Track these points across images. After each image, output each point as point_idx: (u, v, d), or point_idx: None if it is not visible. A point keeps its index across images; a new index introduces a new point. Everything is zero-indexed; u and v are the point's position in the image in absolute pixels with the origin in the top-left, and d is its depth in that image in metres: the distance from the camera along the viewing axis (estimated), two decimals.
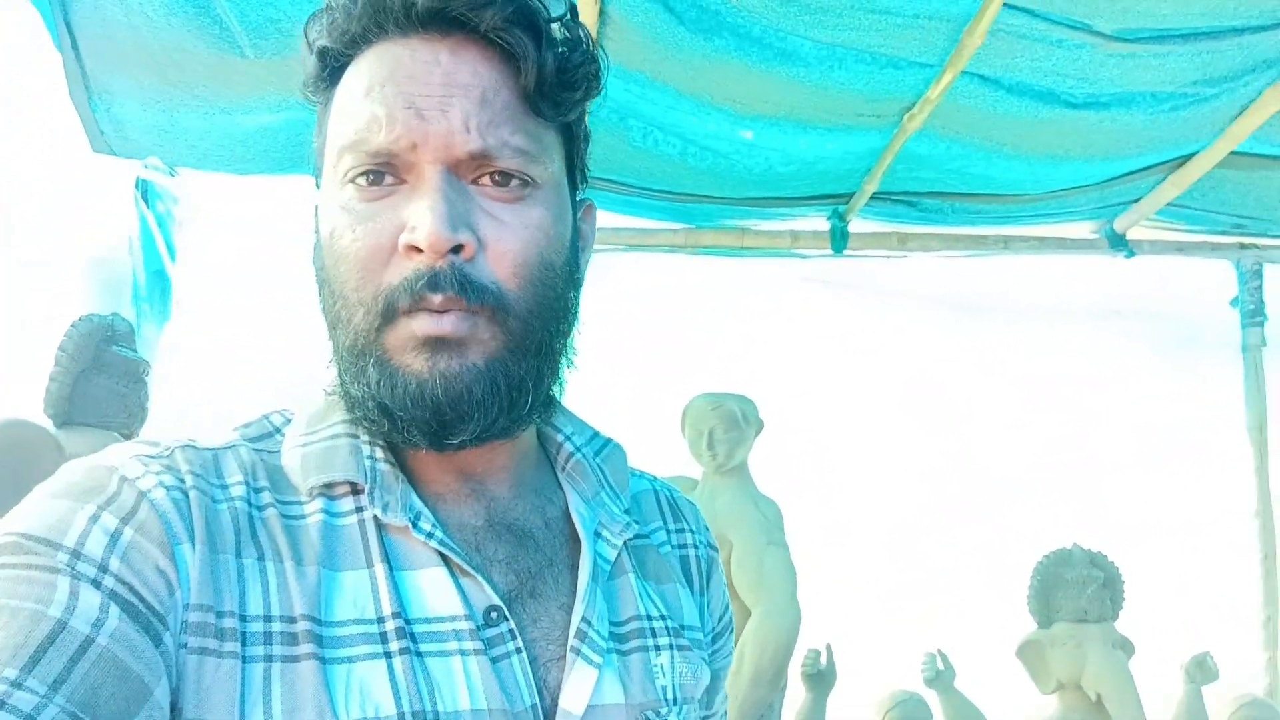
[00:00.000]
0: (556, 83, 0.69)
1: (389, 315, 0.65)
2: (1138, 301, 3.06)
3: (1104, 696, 2.29)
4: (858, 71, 2.29)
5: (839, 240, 2.90)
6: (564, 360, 0.73)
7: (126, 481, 0.62)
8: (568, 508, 0.75)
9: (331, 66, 0.71)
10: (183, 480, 0.64)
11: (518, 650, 0.65)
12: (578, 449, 0.79)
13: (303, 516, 0.66)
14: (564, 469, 0.78)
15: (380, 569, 0.65)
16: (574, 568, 0.72)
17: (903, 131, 2.46)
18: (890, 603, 2.76)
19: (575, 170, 0.76)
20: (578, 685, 0.66)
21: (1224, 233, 3.03)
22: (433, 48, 0.68)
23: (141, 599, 0.58)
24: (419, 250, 0.64)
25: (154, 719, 0.56)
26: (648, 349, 3.15)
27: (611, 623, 0.72)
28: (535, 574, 0.71)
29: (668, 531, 0.84)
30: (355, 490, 0.68)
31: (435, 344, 0.65)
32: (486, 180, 0.67)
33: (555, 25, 0.70)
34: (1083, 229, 3.03)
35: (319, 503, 0.67)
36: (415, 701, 0.61)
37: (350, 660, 0.62)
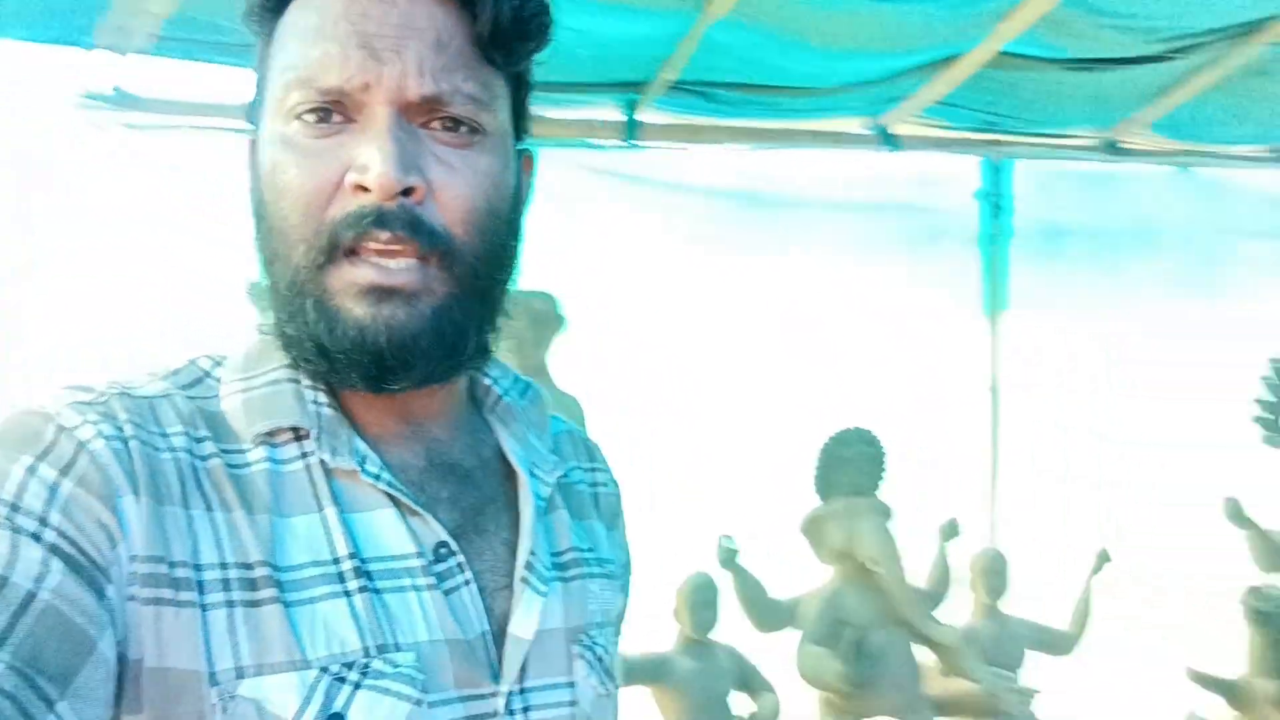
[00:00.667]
0: (511, 31, 0.69)
1: (331, 253, 0.65)
2: (899, 194, 3.24)
3: (875, 562, 2.52)
4: None
5: (630, 131, 2.83)
6: (502, 308, 0.74)
7: (64, 431, 0.61)
8: (499, 447, 0.78)
9: None
10: (121, 429, 0.63)
11: (467, 582, 0.68)
12: (505, 391, 0.81)
13: (247, 465, 0.66)
14: (492, 410, 0.80)
15: (331, 511, 0.66)
16: (511, 504, 0.75)
17: (707, 16, 2.41)
18: (685, 487, 2.85)
19: (520, 121, 0.76)
20: (526, 613, 0.70)
21: (977, 129, 3.26)
22: None
23: (83, 552, 0.58)
24: (366, 190, 0.64)
25: (100, 672, 0.57)
26: None
27: (551, 554, 0.76)
28: (477, 510, 0.73)
29: (583, 470, 0.87)
30: (298, 435, 0.68)
31: (381, 292, 0.65)
32: (436, 125, 0.67)
33: None
34: (855, 124, 3.15)
35: (263, 450, 0.67)
36: (377, 635, 0.63)
37: (312, 601, 0.63)
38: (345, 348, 0.65)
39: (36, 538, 0.57)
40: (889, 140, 3.14)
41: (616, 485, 0.91)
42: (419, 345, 0.66)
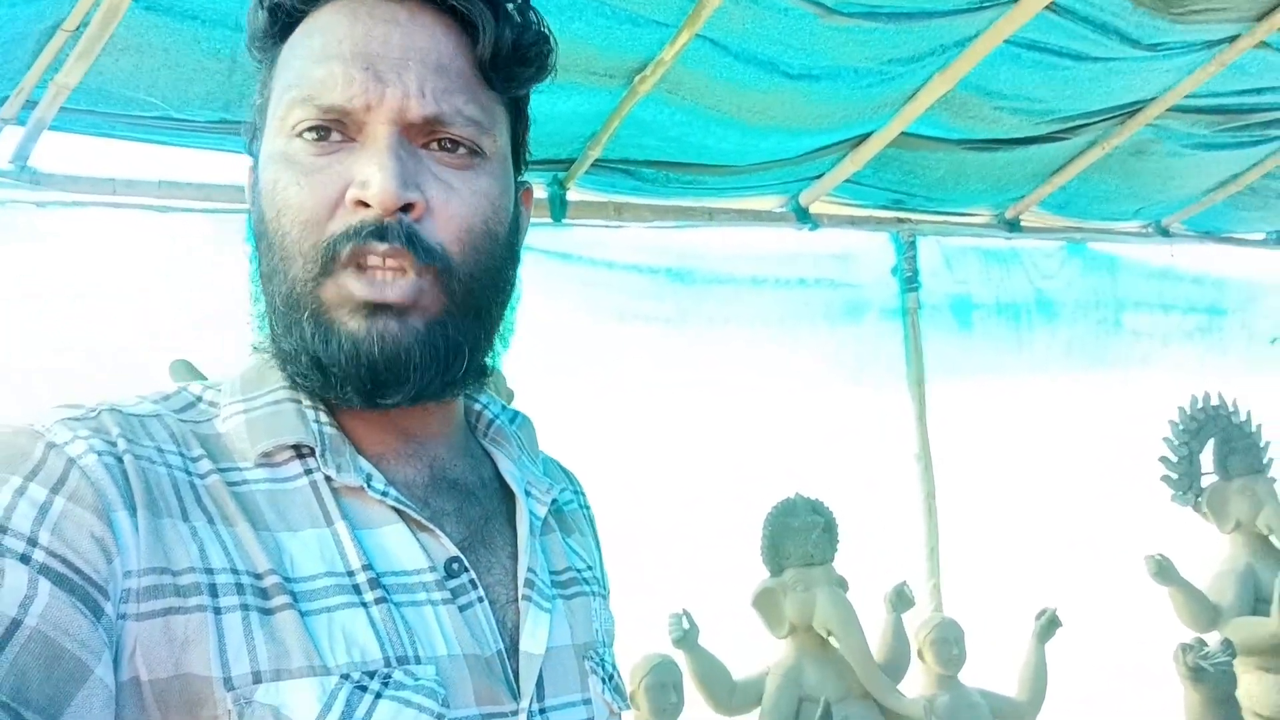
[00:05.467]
0: (512, 56, 0.70)
1: (328, 266, 0.65)
2: (822, 270, 3.32)
3: (833, 633, 2.45)
4: (596, 25, 2.22)
5: (558, 209, 2.82)
6: (500, 332, 0.74)
7: (54, 448, 0.59)
8: (496, 469, 0.79)
9: (283, 22, 0.71)
10: (114, 444, 0.61)
11: (480, 599, 0.68)
12: (496, 416, 0.83)
13: (247, 482, 0.65)
14: (486, 435, 0.81)
15: (342, 526, 0.65)
16: (510, 522, 0.76)
17: (632, 94, 2.44)
18: (626, 569, 2.74)
19: (519, 151, 0.78)
20: (534, 629, 0.70)
21: (886, 207, 3.39)
22: (391, 8, 0.68)
23: (76, 570, 0.55)
24: (366, 205, 0.64)
25: (96, 698, 0.54)
26: None
27: (550, 572, 0.76)
28: (482, 525, 0.73)
29: (571, 492, 0.90)
30: (300, 453, 0.68)
31: (375, 307, 0.65)
32: (436, 146, 0.68)
33: (510, 4, 0.71)
34: (773, 202, 3.23)
35: (262, 470, 0.66)
36: (398, 647, 0.62)
37: (329, 610, 0.61)
38: (340, 361, 0.65)
39: (25, 559, 0.54)
40: (805, 218, 3.23)
41: (591, 510, 0.93)
42: (412, 359, 0.65)
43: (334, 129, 0.66)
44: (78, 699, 0.53)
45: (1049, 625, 2.79)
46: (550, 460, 0.90)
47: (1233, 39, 2.79)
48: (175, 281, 2.49)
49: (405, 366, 0.65)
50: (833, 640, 2.48)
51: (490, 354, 0.74)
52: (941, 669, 2.65)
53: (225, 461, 0.66)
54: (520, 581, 0.71)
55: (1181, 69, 2.92)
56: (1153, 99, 3.07)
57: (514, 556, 0.73)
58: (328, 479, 0.67)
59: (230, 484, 0.65)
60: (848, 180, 3.15)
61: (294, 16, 0.70)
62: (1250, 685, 3.02)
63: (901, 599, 2.69)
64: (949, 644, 2.65)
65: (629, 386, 2.98)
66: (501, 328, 0.74)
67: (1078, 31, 2.62)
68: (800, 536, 2.53)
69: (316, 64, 0.67)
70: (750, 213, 3.18)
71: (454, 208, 0.67)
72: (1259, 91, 3.07)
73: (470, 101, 0.69)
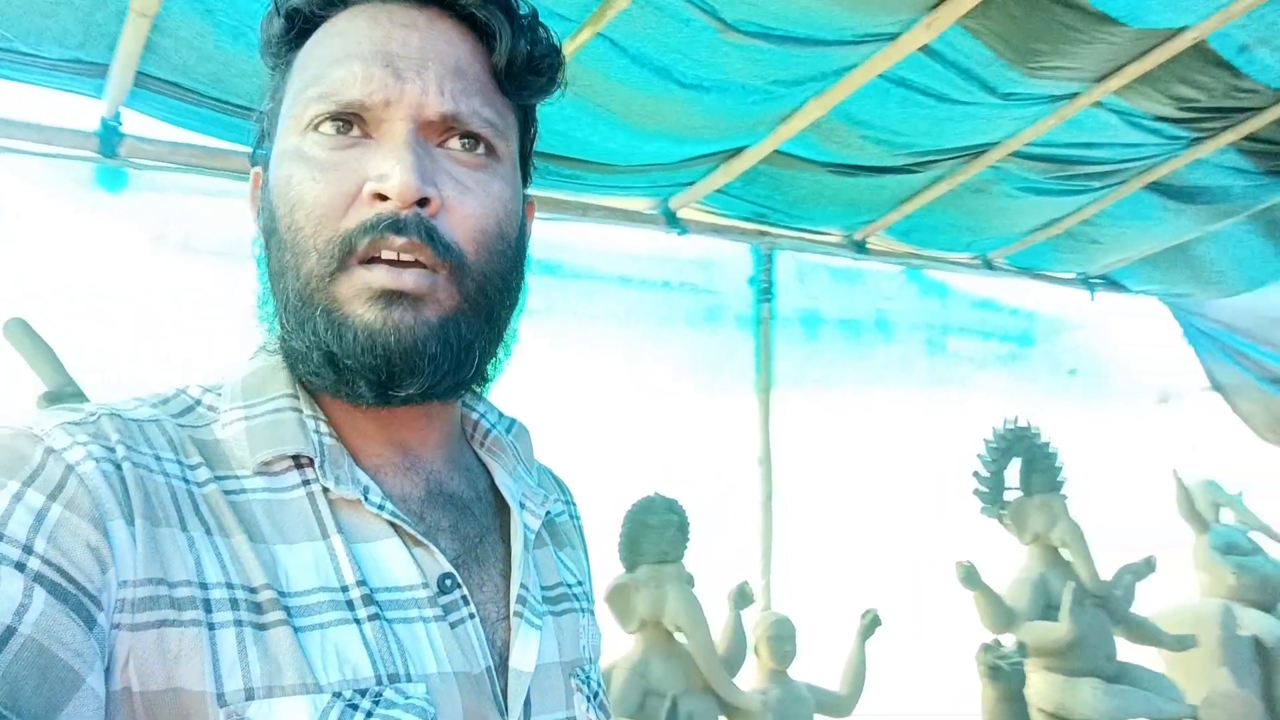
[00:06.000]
0: (526, 66, 0.72)
1: (344, 260, 0.64)
2: (683, 275, 3.40)
3: (682, 629, 2.53)
4: None
5: None
6: (505, 339, 0.75)
7: (52, 454, 0.59)
8: (491, 481, 0.79)
9: (300, 28, 0.71)
10: (113, 451, 0.61)
11: (471, 615, 0.68)
12: (493, 425, 0.82)
13: (245, 491, 0.65)
14: (483, 445, 0.81)
15: (337, 540, 0.65)
16: (504, 535, 0.76)
17: None
18: None
19: (525, 162, 0.80)
20: (525, 646, 0.70)
21: (749, 220, 3.51)
22: (411, 14, 0.69)
23: (71, 579, 0.55)
24: (384, 199, 0.64)
25: (87, 707, 0.54)
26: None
27: (541, 587, 0.77)
28: (476, 541, 0.73)
29: (563, 503, 0.90)
30: (298, 464, 0.67)
31: (391, 296, 0.65)
32: (454, 143, 0.69)
33: (525, 17, 0.73)
34: (645, 204, 3.28)
35: (261, 479, 0.66)
36: (389, 664, 0.62)
37: (322, 627, 0.61)
38: (355, 353, 0.64)
39: (20, 567, 0.54)
40: (674, 222, 3.30)
41: (580, 519, 0.94)
42: (427, 351, 0.65)
43: (353, 123, 0.66)
44: (69, 707, 0.53)
45: (871, 624, 2.98)
46: (544, 469, 0.91)
47: (1073, 96, 3.07)
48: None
49: (420, 356, 0.65)
50: (679, 636, 2.56)
51: (494, 360, 0.75)
52: (775, 664, 2.79)
53: (223, 469, 0.66)
54: (512, 598, 0.72)
55: (1025, 119, 3.18)
56: (997, 143, 3.33)
57: (506, 572, 0.73)
58: (325, 490, 0.67)
59: (228, 493, 0.64)
60: (717, 190, 3.24)
61: (311, 22, 0.71)
62: (1038, 684, 3.35)
63: (743, 597, 2.81)
64: (783, 640, 2.79)
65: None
66: (507, 335, 0.75)
67: (944, 74, 2.81)
68: (656, 534, 2.59)
69: (336, 64, 0.67)
70: (622, 212, 3.21)
71: (469, 207, 0.68)
72: (1089, 145, 3.39)
73: (486, 104, 0.70)
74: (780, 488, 3.44)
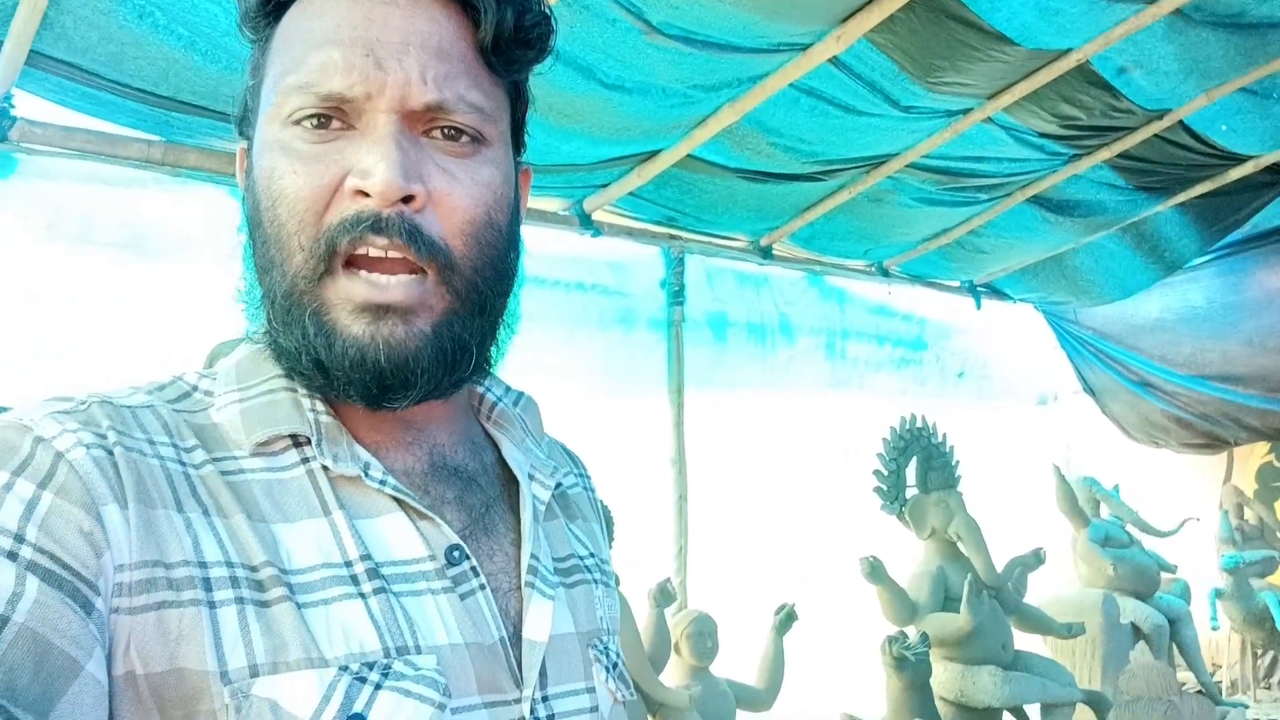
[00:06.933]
0: (514, 39, 0.68)
1: (329, 261, 0.63)
2: (596, 276, 3.41)
3: None
4: None
5: None
6: (504, 321, 0.73)
7: (42, 442, 0.58)
8: (498, 454, 0.77)
9: (276, 1, 0.68)
10: (104, 436, 0.60)
11: (481, 586, 0.67)
12: (499, 399, 0.81)
13: (243, 472, 0.64)
14: (489, 418, 0.80)
15: (340, 516, 0.64)
16: (513, 508, 0.75)
17: None
18: None
19: (519, 133, 0.76)
20: (538, 617, 0.69)
21: (660, 223, 3.55)
22: None
23: (65, 566, 0.54)
24: (366, 195, 0.63)
25: (88, 695, 0.53)
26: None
27: (553, 559, 0.75)
28: (484, 512, 0.72)
29: (576, 475, 0.88)
30: (296, 443, 0.67)
31: (378, 310, 0.64)
32: (438, 134, 0.66)
33: None
34: (559, 204, 3.28)
35: (259, 459, 0.65)
36: (397, 637, 0.61)
37: (326, 602, 0.60)
38: (344, 366, 0.63)
39: (12, 556, 0.53)
40: (588, 224, 3.31)
41: (595, 491, 0.92)
42: (420, 364, 0.64)
43: (334, 116, 0.64)
44: (68, 695, 0.52)
45: (787, 619, 3.05)
46: (554, 443, 0.89)
47: (967, 111, 3.23)
48: None
49: (413, 371, 0.64)
50: None
51: (496, 345, 0.73)
52: (696, 661, 2.82)
53: (220, 451, 0.64)
54: (523, 569, 0.71)
55: (923, 131, 3.33)
56: (897, 154, 3.47)
57: (516, 543, 0.72)
58: (325, 468, 0.65)
59: (225, 473, 0.63)
60: (631, 193, 3.28)
61: None
62: (939, 673, 3.48)
63: (664, 595, 2.83)
64: (704, 637, 2.82)
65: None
66: (506, 315, 0.73)
67: (851, 86, 2.92)
68: None
69: (314, 49, 0.64)
70: (536, 212, 3.21)
71: (456, 199, 0.65)
72: (979, 159, 3.57)
73: (473, 87, 0.67)
74: (693, 487, 3.49)
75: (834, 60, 2.77)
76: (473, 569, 0.67)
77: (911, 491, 3.88)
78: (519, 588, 0.70)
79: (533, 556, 0.71)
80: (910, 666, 3.20)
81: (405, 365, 0.64)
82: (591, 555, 0.82)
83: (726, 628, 3.01)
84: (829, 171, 3.50)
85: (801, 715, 3.50)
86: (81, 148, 2.34)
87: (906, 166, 3.56)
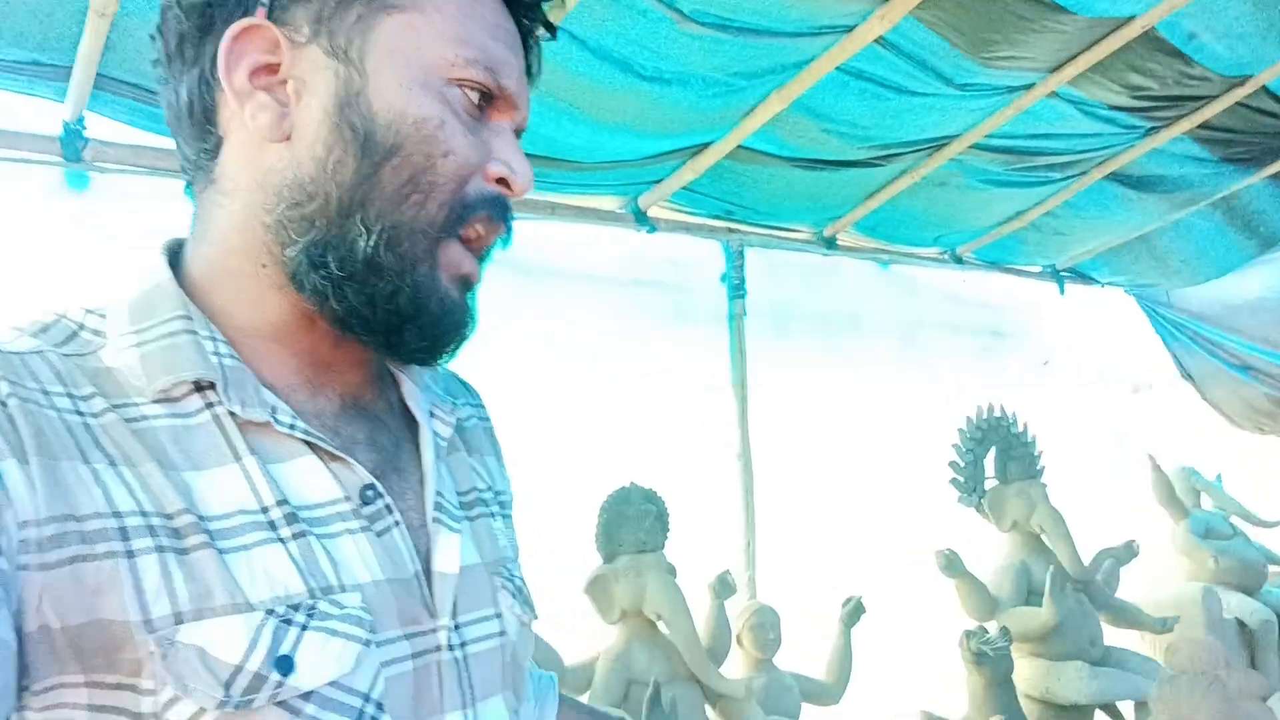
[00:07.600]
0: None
1: (457, 225, 0.70)
2: (654, 273, 3.42)
3: (663, 617, 2.52)
4: None
5: None
6: None
7: None
8: (401, 393, 0.81)
9: None
10: None
11: (396, 523, 0.69)
12: None
13: (146, 419, 0.63)
14: None
15: (251, 462, 0.64)
16: (417, 446, 0.78)
17: None
18: None
19: None
20: (446, 550, 0.72)
21: (717, 217, 3.54)
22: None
23: None
24: (507, 186, 0.72)
25: None
26: None
27: (456, 493, 0.78)
28: (393, 450, 0.75)
29: (471, 407, 0.92)
30: (199, 388, 0.66)
31: (467, 283, 0.73)
32: None
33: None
34: (614, 203, 3.31)
35: (162, 406, 0.64)
36: (320, 578, 0.62)
37: (245, 548, 0.61)
38: (427, 321, 0.70)
39: None
40: (644, 220, 3.32)
41: (490, 420, 0.95)
42: (469, 335, 0.73)
43: (491, 103, 0.72)
44: None
45: (854, 612, 2.98)
46: (450, 375, 0.92)
47: (1028, 86, 3.13)
48: None
49: (463, 341, 0.73)
50: (661, 625, 2.55)
51: None
52: (759, 653, 2.79)
53: (119, 398, 0.63)
54: (428, 505, 0.73)
55: (984, 110, 3.24)
56: (957, 135, 3.38)
57: (422, 480, 0.75)
58: (232, 414, 0.65)
59: (129, 420, 0.62)
60: (684, 187, 3.27)
61: None
62: (1023, 669, 3.35)
63: (724, 586, 2.81)
64: (766, 629, 2.78)
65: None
66: None
67: (901, 66, 2.86)
68: (634, 524, 2.59)
69: (489, 39, 0.71)
70: (591, 211, 3.24)
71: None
72: (1047, 137, 3.45)
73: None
74: (760, 481, 3.45)
75: (880, 40, 2.72)
76: (387, 506, 0.69)
77: (991, 483, 3.77)
78: (426, 524, 0.73)
79: (438, 493, 0.74)
80: (990, 662, 3.09)
81: (463, 337, 0.72)
82: (489, 488, 0.85)
83: (799, 622, 2.97)
84: (887, 156, 3.43)
85: (880, 711, 3.42)
86: (151, 165, 2.48)
87: (970, 148, 3.46)
